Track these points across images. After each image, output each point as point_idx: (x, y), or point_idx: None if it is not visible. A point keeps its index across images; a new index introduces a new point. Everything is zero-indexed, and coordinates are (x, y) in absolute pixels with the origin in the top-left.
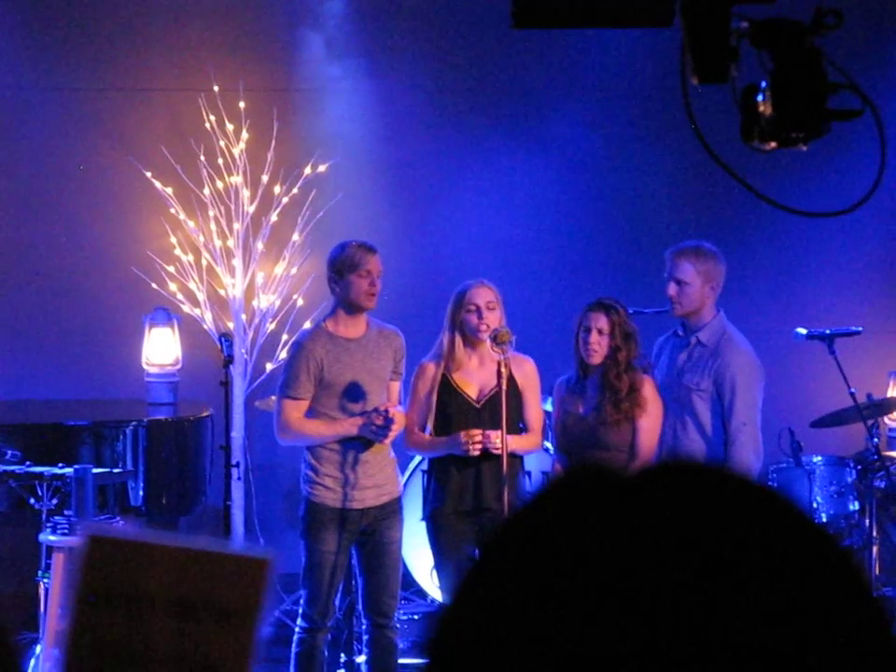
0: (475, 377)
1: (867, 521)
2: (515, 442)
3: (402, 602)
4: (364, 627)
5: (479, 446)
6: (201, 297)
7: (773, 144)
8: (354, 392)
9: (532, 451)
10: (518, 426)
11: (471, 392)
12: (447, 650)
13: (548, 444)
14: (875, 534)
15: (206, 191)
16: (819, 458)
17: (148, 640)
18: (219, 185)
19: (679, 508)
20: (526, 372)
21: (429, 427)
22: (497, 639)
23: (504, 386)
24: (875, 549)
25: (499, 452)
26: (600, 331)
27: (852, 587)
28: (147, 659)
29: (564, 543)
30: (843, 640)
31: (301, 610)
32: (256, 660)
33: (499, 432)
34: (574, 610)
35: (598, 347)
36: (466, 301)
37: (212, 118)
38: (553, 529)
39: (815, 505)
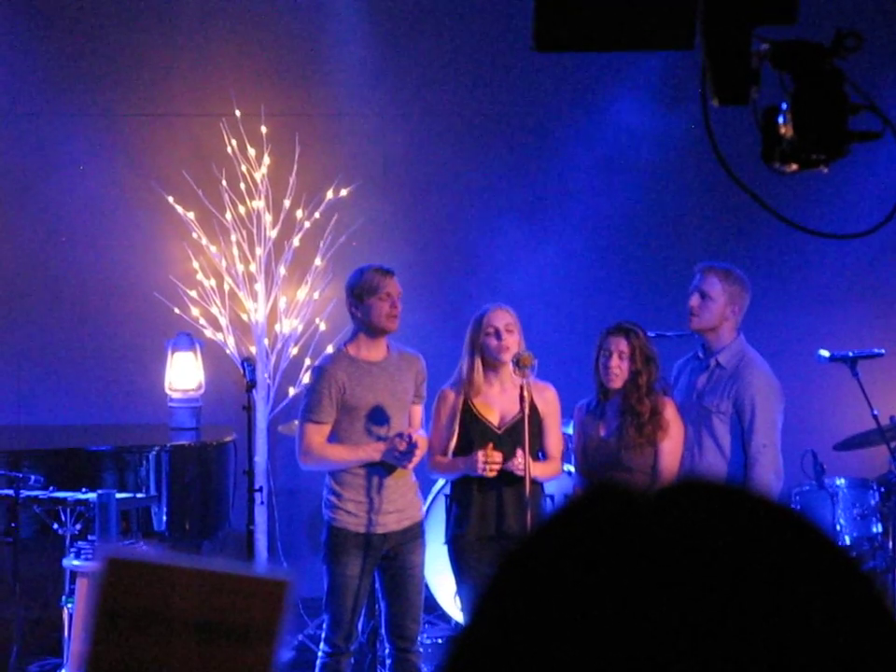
0: (496, 403)
1: (890, 543)
2: (536, 468)
3: (425, 626)
4: (387, 651)
5: (496, 467)
6: (223, 321)
7: (794, 166)
8: (377, 415)
9: (552, 478)
10: (538, 453)
11: (493, 418)
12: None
13: (569, 467)
14: None
15: (228, 216)
16: (843, 481)
17: (168, 662)
18: (241, 209)
19: (698, 526)
20: (547, 399)
21: (451, 453)
22: (512, 661)
23: (527, 410)
24: None
25: (522, 474)
26: (620, 355)
27: (873, 610)
28: None
29: (581, 563)
30: (864, 664)
31: (324, 635)
32: None
33: (523, 455)
34: (591, 631)
35: (619, 371)
36: (485, 324)
37: (234, 142)
38: (570, 549)
39: (838, 527)
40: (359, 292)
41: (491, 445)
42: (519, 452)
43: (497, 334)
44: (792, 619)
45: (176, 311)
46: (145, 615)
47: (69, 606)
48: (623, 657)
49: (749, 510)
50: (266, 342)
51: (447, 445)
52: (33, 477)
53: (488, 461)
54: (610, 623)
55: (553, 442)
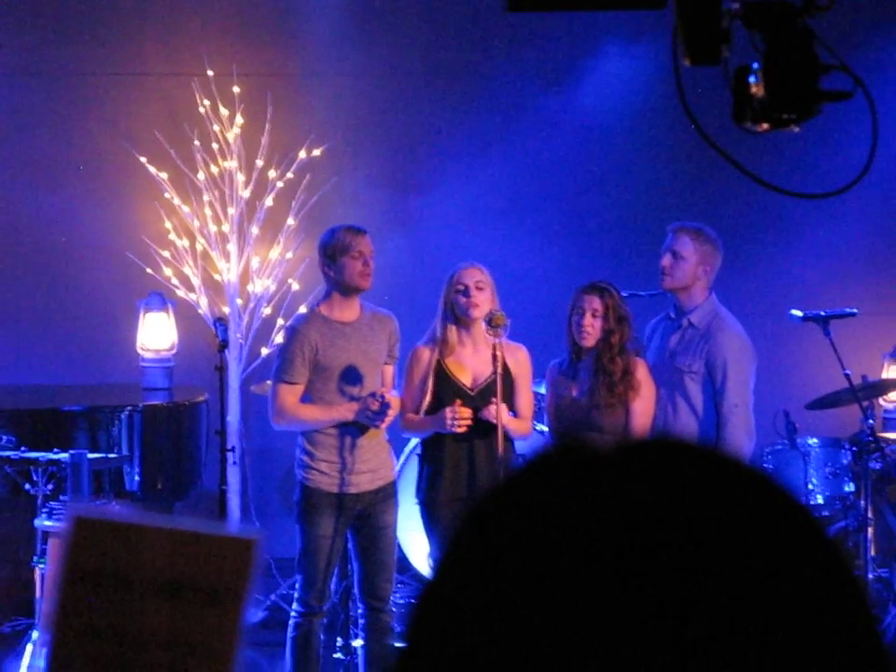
0: (469, 363)
1: (862, 502)
2: (507, 420)
3: (398, 586)
4: (360, 611)
5: (466, 422)
6: (196, 282)
7: (765, 125)
8: (349, 375)
9: (522, 435)
10: (509, 413)
11: (465, 379)
12: (423, 629)
13: (542, 427)
14: (870, 515)
15: (201, 176)
16: (815, 440)
17: (135, 621)
18: (214, 169)
19: (656, 483)
20: (519, 360)
21: (423, 413)
22: (474, 617)
23: (499, 370)
24: (870, 530)
25: (496, 421)
26: (594, 313)
27: (838, 574)
28: (133, 640)
29: (540, 519)
30: (826, 628)
31: (296, 595)
32: (243, 640)
33: (495, 407)
34: (549, 587)
35: (591, 330)
36: (455, 281)
37: (206, 102)
38: (530, 505)
39: (810, 486)
40: (331, 252)
41: (460, 402)
42: (493, 400)
43: (466, 291)
44: (753, 581)
45: (149, 271)
46: (112, 574)
47: (41, 566)
48: (581, 614)
49: (710, 467)
50: (239, 302)
51: (419, 404)
52: (4, 437)
53: (457, 417)
54: (569, 579)
55: (524, 403)
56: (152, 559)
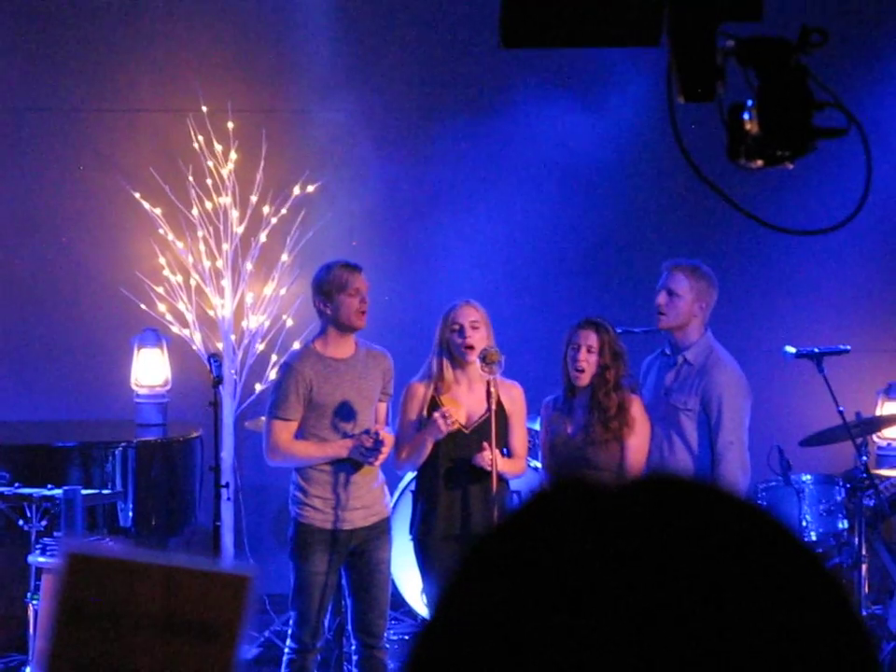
0: (464, 401)
1: (856, 539)
2: (502, 464)
3: (392, 622)
4: (354, 648)
5: (455, 417)
6: (190, 317)
7: (759, 162)
8: (344, 412)
9: (516, 475)
10: (503, 451)
11: (460, 417)
12: (421, 668)
13: (536, 464)
14: (863, 552)
15: (195, 212)
16: (809, 477)
17: (128, 658)
18: (208, 205)
19: (658, 520)
20: (514, 398)
21: None
22: (474, 654)
23: (493, 407)
24: (863, 567)
25: (490, 467)
26: (589, 349)
27: (836, 608)
28: None
29: (541, 557)
30: (825, 661)
31: (290, 631)
32: None
33: (489, 451)
34: (549, 625)
35: (587, 365)
36: (451, 320)
37: (200, 138)
38: (531, 543)
39: (804, 523)
40: (328, 288)
41: (443, 406)
42: (486, 445)
43: (462, 331)
44: (754, 615)
45: (143, 307)
46: (106, 611)
47: (34, 602)
48: (582, 652)
49: (711, 504)
50: (233, 337)
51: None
52: None
53: (447, 417)
54: (569, 617)
55: (519, 441)
56: (146, 595)
